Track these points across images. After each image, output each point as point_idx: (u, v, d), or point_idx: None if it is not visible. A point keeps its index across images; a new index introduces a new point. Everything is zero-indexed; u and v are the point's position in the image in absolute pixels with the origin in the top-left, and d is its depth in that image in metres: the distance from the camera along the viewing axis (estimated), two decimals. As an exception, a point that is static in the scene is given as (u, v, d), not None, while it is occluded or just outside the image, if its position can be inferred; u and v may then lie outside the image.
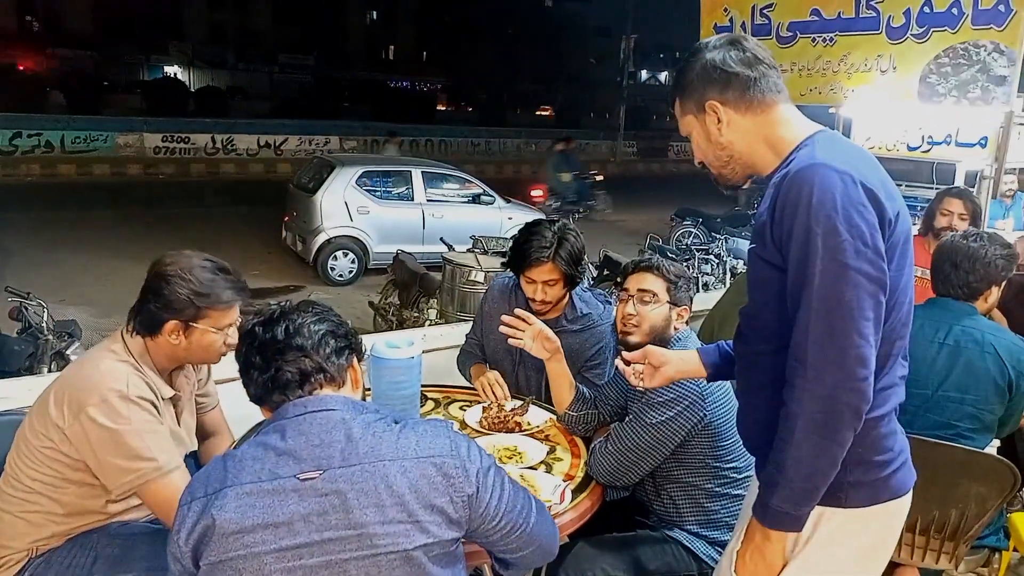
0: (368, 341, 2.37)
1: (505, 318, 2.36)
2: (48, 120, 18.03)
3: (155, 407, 1.88)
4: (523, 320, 2.35)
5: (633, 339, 2.13)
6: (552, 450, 2.27)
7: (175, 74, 36.05)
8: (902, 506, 1.53)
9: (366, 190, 9.67)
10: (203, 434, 2.25)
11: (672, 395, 2.01)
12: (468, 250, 7.54)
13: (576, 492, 2.02)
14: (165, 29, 34.11)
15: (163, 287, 1.88)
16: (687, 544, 2.09)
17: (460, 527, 1.36)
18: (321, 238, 9.28)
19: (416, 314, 6.60)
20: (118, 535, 1.90)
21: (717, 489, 2.10)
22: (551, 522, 1.59)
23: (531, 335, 2.33)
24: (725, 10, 7.63)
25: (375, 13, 42.08)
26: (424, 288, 6.62)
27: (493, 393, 2.54)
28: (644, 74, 42.40)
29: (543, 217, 2.77)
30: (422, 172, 10.19)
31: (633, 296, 2.18)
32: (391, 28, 41.42)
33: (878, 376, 1.42)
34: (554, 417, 2.46)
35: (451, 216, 9.93)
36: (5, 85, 22.88)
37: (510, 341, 2.35)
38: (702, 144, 1.58)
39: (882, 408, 1.45)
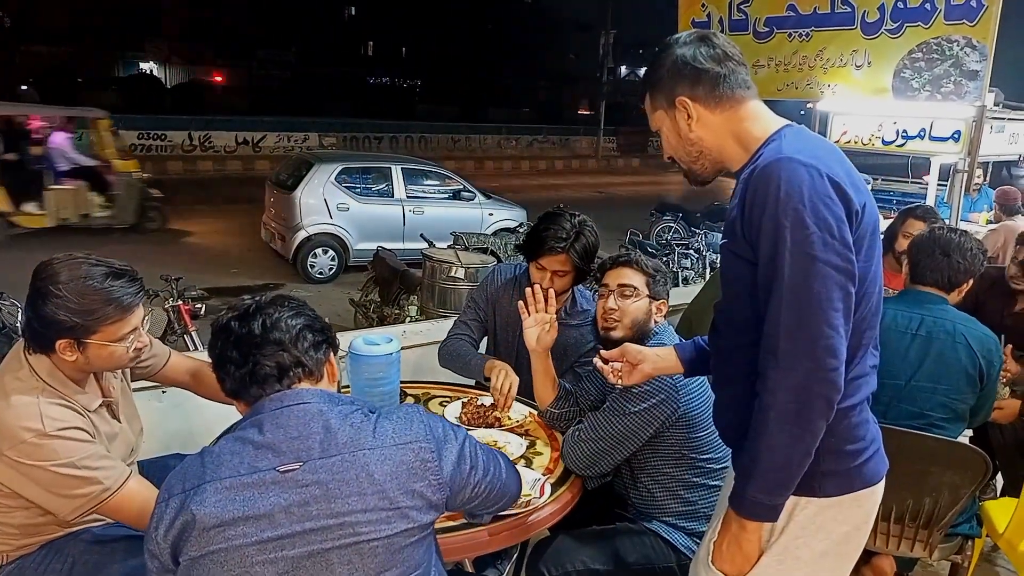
0: (347, 338, 2.39)
1: (527, 290, 2.33)
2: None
3: (82, 428, 1.75)
4: (541, 298, 2.31)
5: (616, 334, 2.14)
6: (532, 444, 2.28)
7: (151, 71, 35.62)
8: (875, 494, 1.56)
9: (345, 187, 9.64)
10: (183, 378, 2.19)
11: (648, 388, 2.03)
12: (448, 246, 7.55)
13: (556, 485, 2.03)
14: (141, 25, 33.64)
15: (40, 306, 1.70)
16: (665, 536, 2.10)
17: (439, 509, 1.39)
18: (300, 235, 9.26)
19: (397, 311, 6.59)
20: (97, 541, 1.86)
21: (695, 480, 2.12)
22: (515, 471, 1.66)
23: (538, 320, 2.29)
24: (703, 5, 7.67)
25: (353, 8, 41.83)
26: (405, 285, 6.61)
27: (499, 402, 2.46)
28: (624, 70, 42.62)
29: (560, 208, 2.75)
30: (402, 168, 10.18)
31: (614, 291, 2.19)
32: (369, 23, 41.16)
33: (849, 366, 1.44)
34: (534, 412, 2.47)
35: (431, 212, 9.93)
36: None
37: (520, 304, 2.32)
38: (672, 139, 1.60)
39: (853, 398, 1.47)
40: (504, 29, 39.42)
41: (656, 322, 2.20)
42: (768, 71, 7.25)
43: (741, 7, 7.33)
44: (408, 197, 9.98)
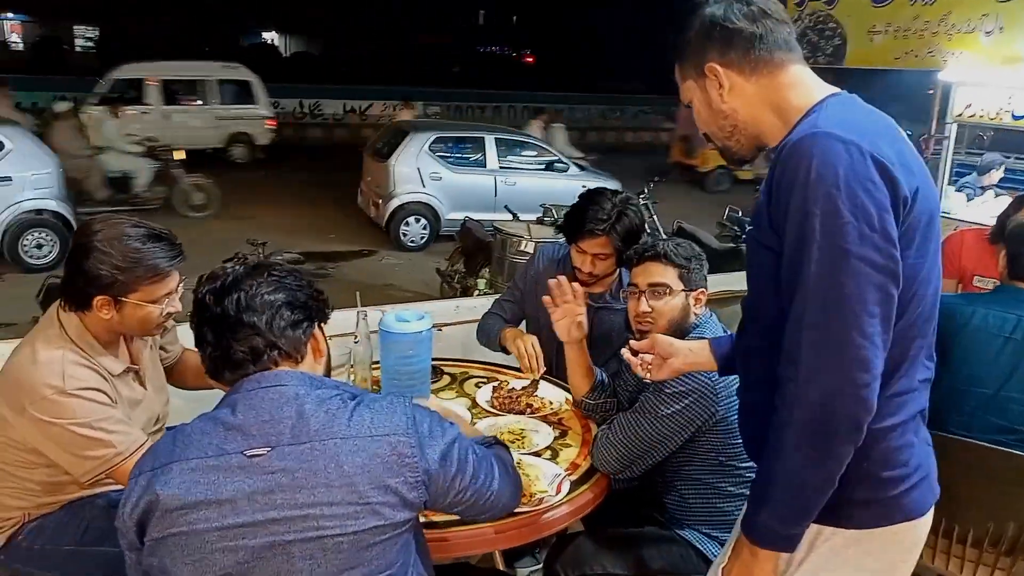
0: (377, 314, 2.32)
1: (552, 282, 2.15)
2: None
3: (102, 391, 1.79)
4: (569, 292, 2.14)
5: (648, 339, 1.96)
6: (563, 435, 2.16)
7: (272, 40, 36.99)
8: (919, 529, 1.35)
9: (439, 156, 9.66)
10: (193, 375, 2.20)
11: (683, 387, 1.86)
12: (538, 219, 7.42)
13: (578, 483, 1.90)
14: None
15: (84, 261, 1.74)
16: (697, 544, 1.94)
17: (415, 507, 1.30)
18: (394, 203, 9.35)
19: (480, 281, 6.55)
20: (111, 505, 1.86)
21: (731, 489, 1.94)
22: (514, 478, 1.55)
23: (563, 312, 2.11)
24: (814, -34, 7.13)
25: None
26: (489, 256, 6.55)
27: (529, 363, 2.40)
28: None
29: (608, 186, 2.60)
30: (495, 139, 10.07)
31: (644, 292, 2.01)
32: (481, -8, 41.21)
33: (889, 381, 1.24)
34: (570, 397, 2.34)
35: (524, 183, 9.80)
36: (108, 50, 23.98)
37: (543, 299, 2.18)
38: (703, 113, 1.40)
39: (894, 417, 1.27)
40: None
41: (696, 314, 2.02)
42: (885, 38, 6.67)
43: (858, -32, 6.76)
44: (501, 167, 9.89)
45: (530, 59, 39.85)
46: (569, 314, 2.08)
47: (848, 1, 6.90)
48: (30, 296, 4.71)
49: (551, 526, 1.79)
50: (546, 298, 2.10)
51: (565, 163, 10.27)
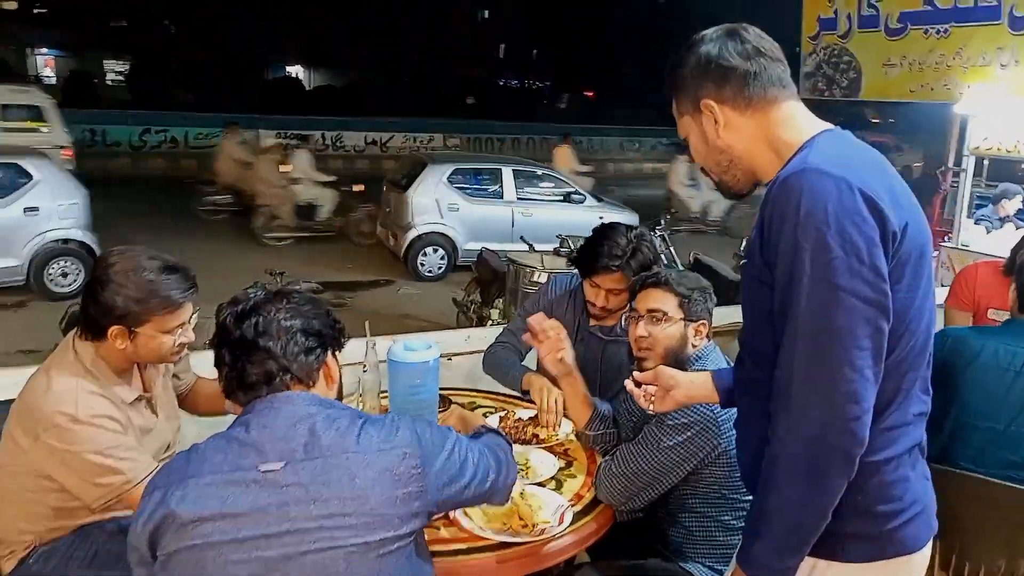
0: (387, 343, 2.35)
1: (530, 321, 2.21)
2: (174, 117, 19.21)
3: (114, 419, 1.82)
4: (549, 330, 2.18)
5: (648, 364, 1.98)
6: (568, 465, 2.16)
7: (296, 74, 37.72)
8: (914, 564, 1.34)
9: (456, 187, 9.77)
10: (205, 401, 2.25)
11: (685, 419, 1.87)
12: (554, 250, 7.47)
13: (581, 514, 1.91)
14: (290, 28, 35.75)
15: (100, 292, 1.79)
16: (701, 578, 1.93)
17: (422, 517, 1.34)
18: (412, 234, 9.45)
19: (494, 312, 6.59)
20: (120, 531, 1.89)
21: (734, 523, 1.93)
22: (512, 469, 1.60)
23: (547, 348, 2.15)
24: (829, 1, 7.21)
25: (486, 12, 42.64)
26: (504, 287, 6.60)
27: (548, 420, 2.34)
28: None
29: (621, 221, 2.62)
30: (513, 170, 10.18)
31: (643, 317, 2.04)
32: (502, 27, 41.82)
33: (882, 414, 1.25)
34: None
35: (541, 215, 9.88)
36: (138, 83, 24.61)
37: (524, 337, 2.20)
38: (700, 148, 1.44)
39: (888, 451, 1.27)
40: (634, 30, 38.87)
41: (694, 346, 2.03)
42: (900, 71, 6.71)
43: (872, 2, 6.83)
44: (518, 199, 9.98)
45: (589, 93, 39.94)
46: (552, 350, 2.12)
47: (863, 34, 6.97)
48: (53, 323, 4.80)
49: (554, 556, 1.80)
50: (526, 335, 2.13)
51: (582, 195, 10.35)
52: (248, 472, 1.27)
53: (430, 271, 9.58)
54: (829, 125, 1.36)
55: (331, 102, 27.45)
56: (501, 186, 10.01)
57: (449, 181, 9.72)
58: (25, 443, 1.79)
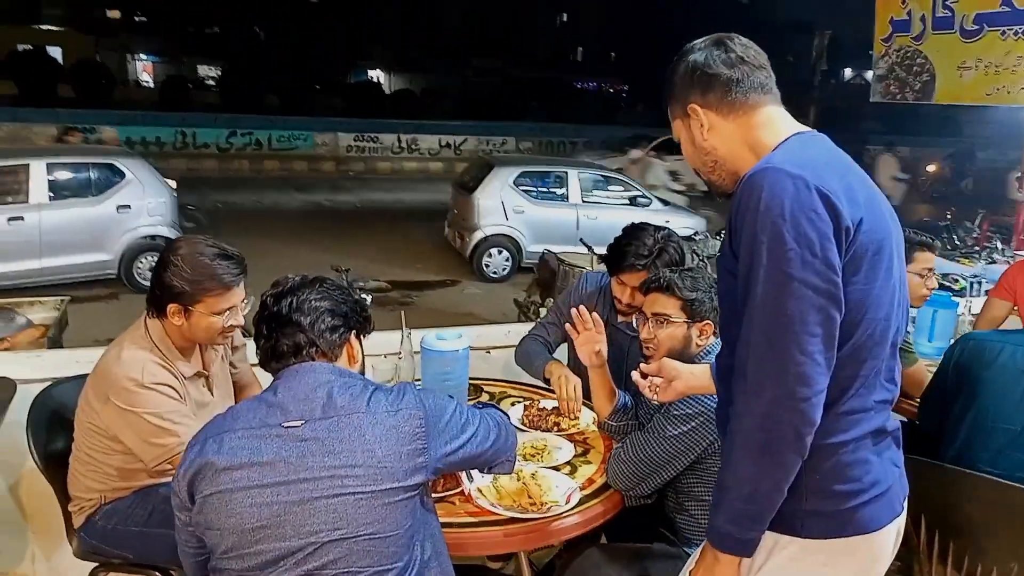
0: (420, 334, 2.52)
1: (573, 311, 2.28)
2: (259, 120, 20.09)
3: (174, 388, 2.05)
4: (589, 321, 2.24)
5: (655, 363, 2.08)
6: (585, 452, 2.27)
7: (376, 78, 38.73)
8: (874, 544, 1.40)
9: (522, 190, 9.94)
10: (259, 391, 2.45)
11: (690, 410, 1.96)
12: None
13: (590, 497, 2.01)
14: (372, 34, 36.75)
15: (162, 273, 2.03)
16: (704, 564, 2.01)
17: (426, 472, 1.49)
18: (477, 235, 9.67)
19: (543, 310, 6.70)
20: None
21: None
22: (511, 433, 1.73)
23: (584, 340, 2.22)
24: (903, 2, 7.03)
25: (565, 15, 42.80)
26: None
27: (567, 408, 2.48)
28: (849, 72, 39.85)
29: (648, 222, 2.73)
30: (579, 174, 10.27)
31: (649, 319, 2.14)
32: (580, 29, 41.91)
33: (840, 400, 1.33)
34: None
35: (605, 218, 9.89)
36: (228, 87, 25.77)
37: (565, 327, 2.30)
38: (688, 149, 1.54)
39: (845, 434, 1.35)
40: (715, 30, 38.27)
41: (699, 344, 2.11)
42: (975, 74, 6.49)
43: (947, 3, 6.63)
44: (583, 202, 10.07)
45: (625, 94, 39.72)
46: (589, 342, 2.21)
47: (937, 36, 6.76)
48: (140, 314, 5.17)
49: (558, 534, 1.92)
50: (568, 326, 2.24)
51: (648, 198, 10.36)
52: (273, 428, 1.45)
53: (495, 272, 9.78)
54: (804, 128, 1.45)
55: (409, 105, 28.08)
56: (567, 189, 10.12)
57: (515, 184, 9.89)
58: (97, 405, 2.04)
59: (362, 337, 1.69)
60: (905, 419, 2.50)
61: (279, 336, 1.55)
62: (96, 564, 2.18)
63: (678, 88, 1.50)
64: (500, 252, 9.79)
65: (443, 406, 1.56)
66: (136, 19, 37.15)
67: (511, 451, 1.72)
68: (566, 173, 10.26)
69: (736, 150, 1.46)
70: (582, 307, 2.22)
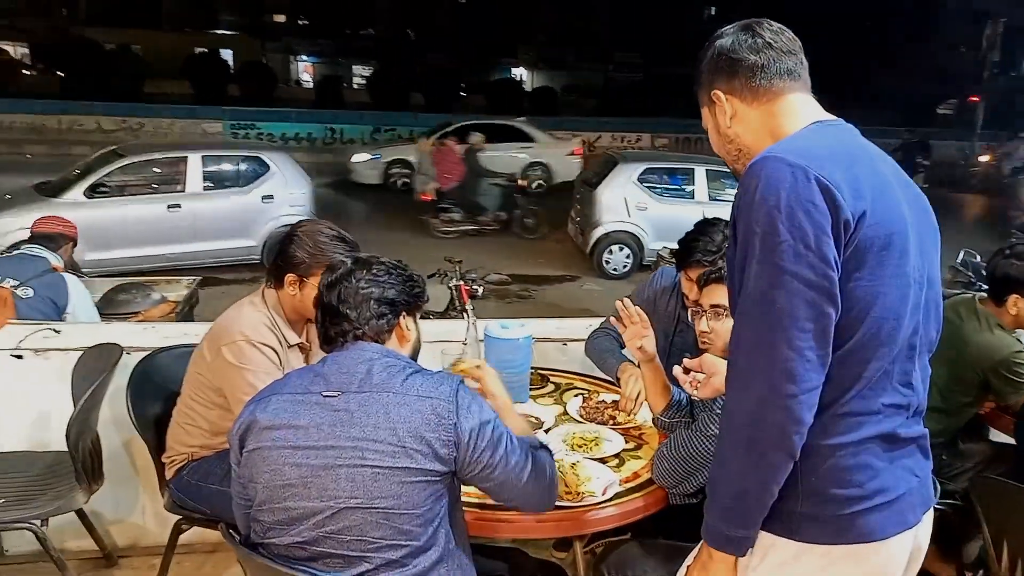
0: (484, 323, 2.60)
1: (617, 303, 2.31)
2: (402, 117, 21.12)
3: (277, 353, 2.25)
4: (634, 315, 2.30)
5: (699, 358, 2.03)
6: (636, 448, 2.26)
7: (520, 76, 39.27)
8: (884, 554, 1.32)
9: (646, 187, 9.80)
10: None
11: None
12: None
13: (632, 491, 2.01)
14: (518, 33, 37.32)
15: (288, 246, 2.26)
16: (743, 567, 1.95)
17: (446, 463, 1.55)
18: (599, 232, 9.64)
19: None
20: None
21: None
22: (550, 483, 1.71)
23: (630, 335, 2.24)
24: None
25: (713, 9, 41.57)
26: (678, 286, 6.59)
27: (626, 406, 2.49)
28: (1030, 63, 36.16)
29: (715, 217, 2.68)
30: (706, 170, 9.98)
31: (707, 312, 2.08)
32: (727, 22, 40.52)
33: (840, 399, 1.27)
34: None
35: (733, 216, 9.61)
36: (377, 86, 27.04)
37: (610, 319, 2.30)
38: (714, 137, 1.52)
39: (844, 436, 1.28)
40: (880, 22, 35.80)
41: None
42: None
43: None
44: (710, 199, 9.78)
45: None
46: (635, 336, 2.20)
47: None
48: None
49: (592, 524, 1.93)
50: (613, 319, 2.23)
51: (779, 197, 9.92)
52: (314, 395, 1.58)
53: (615, 269, 9.70)
54: (825, 117, 1.39)
55: (548, 102, 28.29)
56: (693, 186, 9.88)
57: (639, 180, 9.77)
58: (209, 356, 2.28)
59: (416, 315, 1.78)
60: None
61: (328, 324, 1.69)
62: (179, 517, 2.42)
63: (704, 75, 1.48)
64: (621, 249, 9.71)
65: (479, 412, 1.59)
66: (299, 23, 39.72)
67: (538, 509, 1.73)
68: (693, 169, 10.00)
69: (760, 138, 1.42)
70: (626, 299, 2.23)
